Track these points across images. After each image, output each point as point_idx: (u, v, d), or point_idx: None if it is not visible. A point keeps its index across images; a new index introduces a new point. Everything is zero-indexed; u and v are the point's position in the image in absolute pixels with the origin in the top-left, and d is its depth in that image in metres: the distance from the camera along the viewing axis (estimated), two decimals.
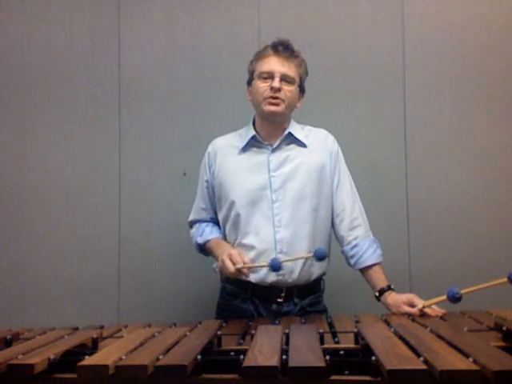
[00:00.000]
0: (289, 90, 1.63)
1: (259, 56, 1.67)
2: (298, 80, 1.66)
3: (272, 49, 1.64)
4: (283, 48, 1.63)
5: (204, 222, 1.79)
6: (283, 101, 1.63)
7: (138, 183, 2.26)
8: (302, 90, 1.70)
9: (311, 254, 1.51)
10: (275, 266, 1.49)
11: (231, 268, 1.51)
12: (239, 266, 1.51)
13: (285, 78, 1.62)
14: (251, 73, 1.70)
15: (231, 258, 1.53)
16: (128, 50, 2.30)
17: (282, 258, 1.54)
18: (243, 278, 1.56)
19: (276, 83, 1.60)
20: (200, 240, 1.74)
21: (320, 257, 1.51)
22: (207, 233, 1.74)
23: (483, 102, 2.20)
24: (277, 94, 1.62)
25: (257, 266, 1.56)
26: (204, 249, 1.76)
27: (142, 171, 2.26)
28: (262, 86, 1.63)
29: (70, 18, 2.31)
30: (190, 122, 2.25)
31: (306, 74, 1.72)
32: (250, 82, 1.71)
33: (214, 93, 2.25)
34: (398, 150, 2.21)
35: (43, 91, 2.29)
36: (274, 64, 1.63)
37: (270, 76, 1.62)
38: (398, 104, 2.22)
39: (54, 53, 2.30)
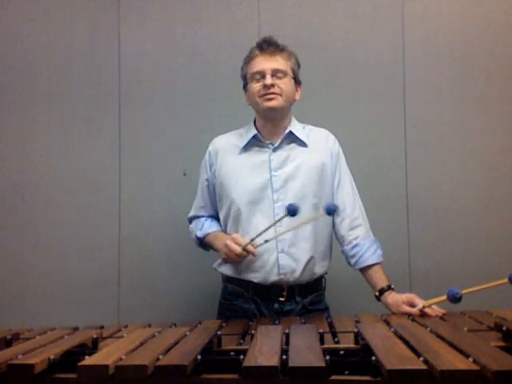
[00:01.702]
0: (282, 83, 1.64)
1: (247, 59, 1.69)
2: (290, 72, 1.66)
3: (257, 49, 1.66)
4: (267, 45, 1.64)
5: (203, 217, 1.80)
6: (280, 95, 1.64)
7: (138, 183, 2.26)
8: (297, 81, 1.70)
9: (322, 213, 1.52)
10: (292, 211, 1.48)
11: (237, 249, 1.54)
12: (245, 243, 1.54)
13: (275, 73, 1.63)
14: (244, 77, 1.71)
15: (236, 240, 1.57)
16: (128, 50, 2.30)
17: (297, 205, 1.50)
18: (248, 257, 1.57)
19: (268, 80, 1.61)
20: (199, 234, 1.75)
21: (330, 211, 1.51)
22: (206, 227, 1.76)
23: (483, 102, 2.20)
24: (271, 90, 1.62)
25: (262, 233, 1.54)
26: (203, 243, 1.77)
27: (142, 171, 2.26)
28: (256, 86, 1.65)
29: (70, 18, 2.30)
30: (190, 121, 2.25)
31: (299, 66, 1.71)
32: (245, 87, 1.72)
33: (214, 93, 2.25)
34: (398, 149, 2.21)
35: (43, 91, 2.29)
36: (262, 62, 1.64)
37: (261, 75, 1.63)
38: (398, 104, 2.22)
39: (54, 53, 2.30)
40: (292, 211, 1.48)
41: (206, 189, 1.78)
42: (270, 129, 1.71)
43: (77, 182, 2.26)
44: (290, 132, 1.70)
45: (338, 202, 1.70)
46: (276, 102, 1.64)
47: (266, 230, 1.53)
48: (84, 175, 2.27)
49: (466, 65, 2.21)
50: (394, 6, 2.24)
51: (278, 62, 1.64)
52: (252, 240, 1.55)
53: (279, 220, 1.53)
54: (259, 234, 1.55)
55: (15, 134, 2.29)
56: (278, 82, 1.63)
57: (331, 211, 1.52)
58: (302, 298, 1.67)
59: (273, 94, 1.63)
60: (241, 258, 1.59)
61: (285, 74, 1.64)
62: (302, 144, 1.70)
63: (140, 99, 2.28)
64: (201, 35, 2.28)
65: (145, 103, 2.28)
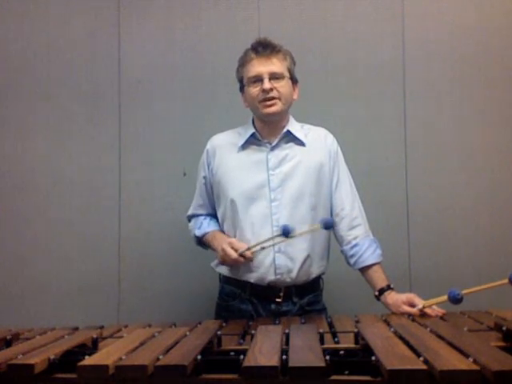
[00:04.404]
0: (281, 86, 1.63)
1: (243, 62, 1.67)
2: (287, 73, 1.65)
3: (253, 52, 1.64)
4: (263, 48, 1.63)
5: (202, 215, 1.80)
6: (279, 99, 1.63)
7: (137, 183, 2.26)
8: (294, 80, 1.70)
9: (318, 226, 1.55)
10: (286, 232, 1.52)
11: (233, 255, 1.55)
12: (242, 250, 1.55)
13: (273, 76, 1.62)
14: (240, 80, 1.70)
15: (232, 245, 1.57)
16: (128, 50, 2.30)
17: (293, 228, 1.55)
18: (245, 262, 1.59)
19: (266, 84, 1.60)
20: (198, 233, 1.75)
21: (327, 226, 1.56)
22: (205, 226, 1.76)
23: (483, 102, 2.20)
24: (270, 95, 1.62)
25: (259, 244, 1.57)
26: (202, 241, 1.77)
27: (142, 171, 2.26)
28: (254, 91, 1.64)
29: (69, 19, 2.30)
30: (190, 121, 2.25)
31: (294, 64, 1.70)
32: (242, 89, 1.72)
33: (214, 93, 2.25)
34: (398, 149, 2.21)
35: (43, 91, 2.29)
36: (259, 66, 1.62)
37: (258, 79, 1.62)
38: (398, 104, 2.22)
39: (54, 53, 2.30)
40: (286, 232, 1.52)
41: (204, 187, 1.77)
42: (268, 129, 1.70)
43: (77, 182, 2.26)
44: (288, 131, 1.69)
45: (337, 201, 1.70)
46: (276, 108, 1.63)
47: (265, 241, 1.56)
48: (84, 175, 2.27)
49: (466, 65, 2.21)
50: (393, 6, 2.24)
51: (274, 65, 1.62)
52: (248, 249, 1.57)
53: (274, 237, 1.56)
54: (256, 244, 1.57)
55: (15, 134, 2.29)
56: (276, 85, 1.62)
57: (328, 226, 1.57)
58: (299, 298, 1.66)
59: (272, 98, 1.62)
60: (237, 263, 1.60)
61: (282, 76, 1.63)
62: (300, 143, 1.70)
63: (140, 99, 2.28)
64: (201, 35, 2.28)
65: (145, 103, 2.28)
